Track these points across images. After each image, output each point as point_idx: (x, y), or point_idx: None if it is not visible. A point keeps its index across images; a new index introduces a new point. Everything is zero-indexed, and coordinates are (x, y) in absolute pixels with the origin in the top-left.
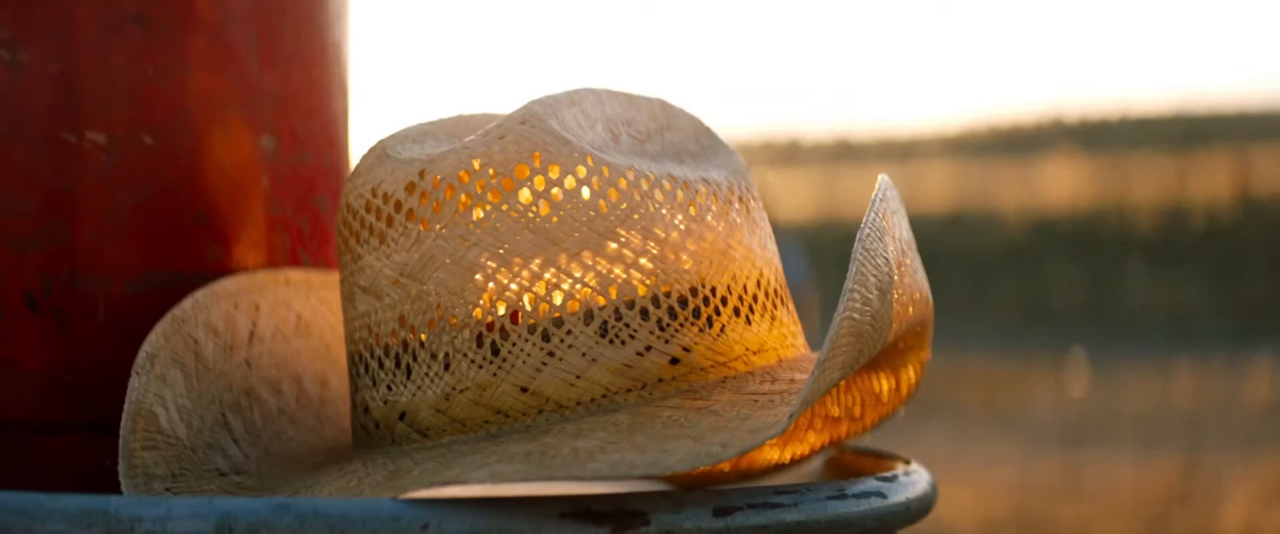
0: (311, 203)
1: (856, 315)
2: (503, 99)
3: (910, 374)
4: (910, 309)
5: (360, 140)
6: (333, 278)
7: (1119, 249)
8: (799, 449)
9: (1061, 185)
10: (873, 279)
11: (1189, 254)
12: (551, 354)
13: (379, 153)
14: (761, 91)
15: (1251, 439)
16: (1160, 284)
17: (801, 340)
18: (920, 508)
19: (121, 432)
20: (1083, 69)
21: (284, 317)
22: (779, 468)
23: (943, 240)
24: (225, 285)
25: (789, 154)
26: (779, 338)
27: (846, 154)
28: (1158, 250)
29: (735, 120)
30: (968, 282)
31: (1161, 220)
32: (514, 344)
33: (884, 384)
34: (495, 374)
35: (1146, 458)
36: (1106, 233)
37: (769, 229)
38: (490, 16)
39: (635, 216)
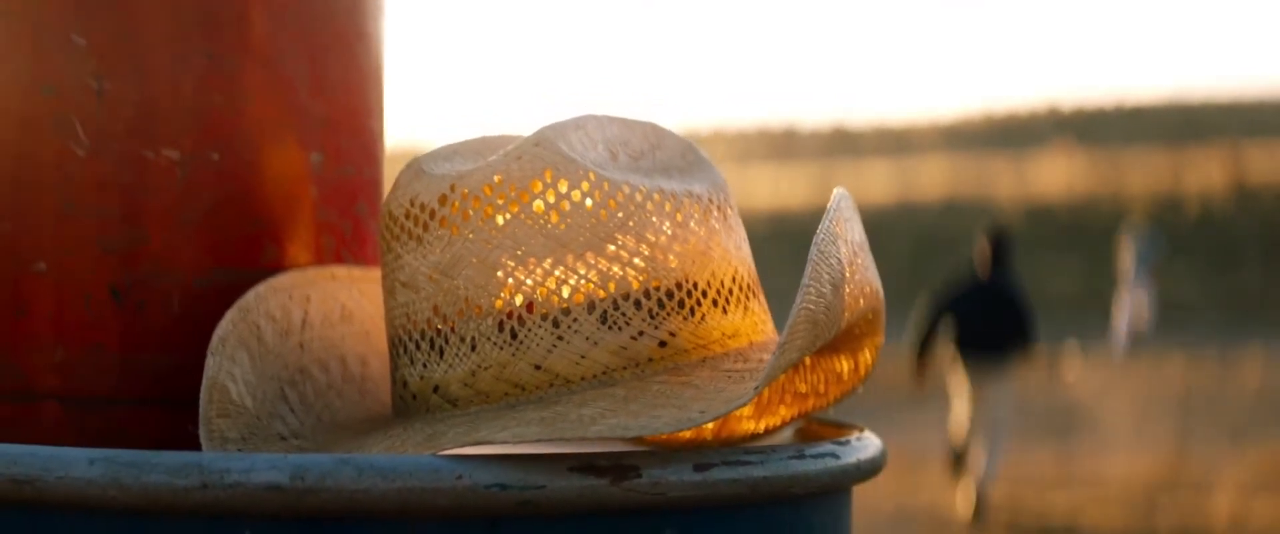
0: (353, 210)
1: (811, 306)
2: (507, 94)
3: (866, 356)
4: (861, 301)
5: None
6: (372, 274)
7: (1113, 239)
8: (772, 421)
9: (1056, 176)
10: (826, 276)
11: (1182, 245)
12: (560, 338)
13: (415, 169)
14: (760, 82)
15: (1241, 428)
16: (1153, 275)
17: (771, 327)
18: (870, 468)
19: (201, 402)
20: (1078, 60)
21: (331, 306)
22: (755, 437)
23: (938, 230)
24: (281, 280)
25: (786, 143)
26: (751, 325)
27: (843, 143)
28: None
29: (733, 110)
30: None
31: (1155, 211)
32: (529, 330)
33: (844, 365)
34: (514, 354)
35: (1137, 446)
36: (1100, 223)
37: (743, 233)
38: (494, 8)
39: (630, 224)
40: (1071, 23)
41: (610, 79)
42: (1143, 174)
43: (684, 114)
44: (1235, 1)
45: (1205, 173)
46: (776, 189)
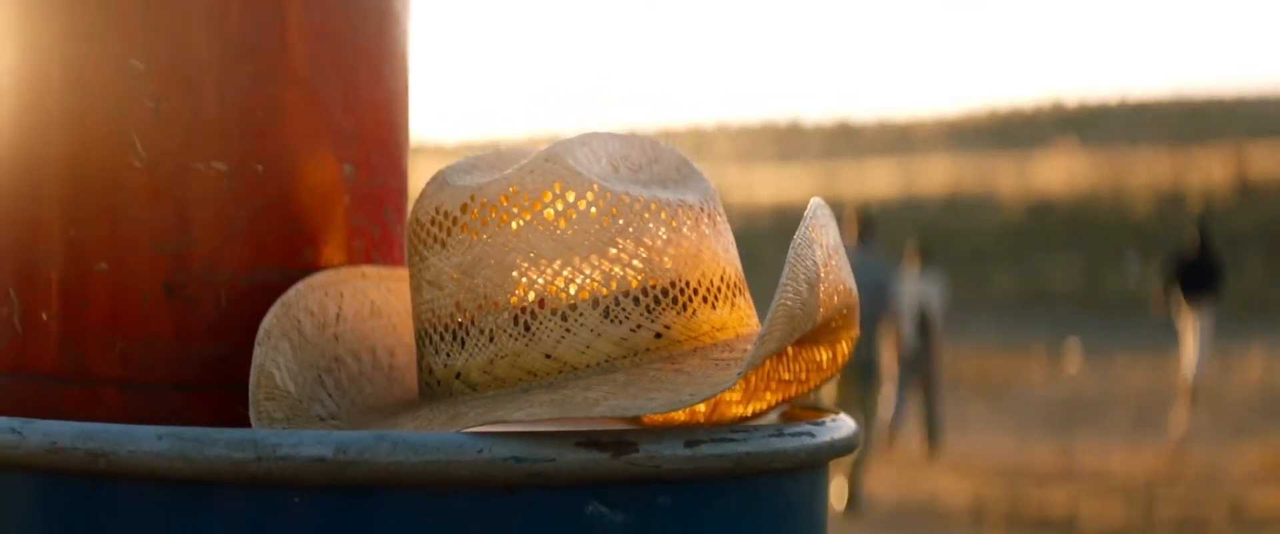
0: (381, 215)
1: (789, 302)
2: (510, 92)
3: (843, 347)
4: (835, 298)
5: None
6: (398, 273)
7: (1115, 236)
8: (759, 405)
9: (1059, 173)
10: (803, 276)
11: (1184, 241)
12: (568, 330)
13: (440, 180)
14: (764, 78)
15: (1241, 424)
16: (1155, 271)
17: (756, 321)
18: (843, 446)
19: (250, 387)
20: (1081, 58)
21: (362, 302)
22: (743, 420)
23: (941, 225)
24: (318, 278)
25: (790, 139)
26: (738, 319)
27: (847, 139)
28: (1153, 237)
29: (738, 106)
30: (965, 267)
31: (1157, 208)
32: (541, 323)
33: (823, 355)
34: (527, 345)
35: (1138, 441)
36: (1103, 220)
37: (731, 237)
38: (496, 5)
39: (630, 229)
40: (1075, 20)
41: (614, 76)
42: (1145, 172)
43: (688, 110)
44: (1238, 0)
45: (1207, 171)
46: (780, 185)
